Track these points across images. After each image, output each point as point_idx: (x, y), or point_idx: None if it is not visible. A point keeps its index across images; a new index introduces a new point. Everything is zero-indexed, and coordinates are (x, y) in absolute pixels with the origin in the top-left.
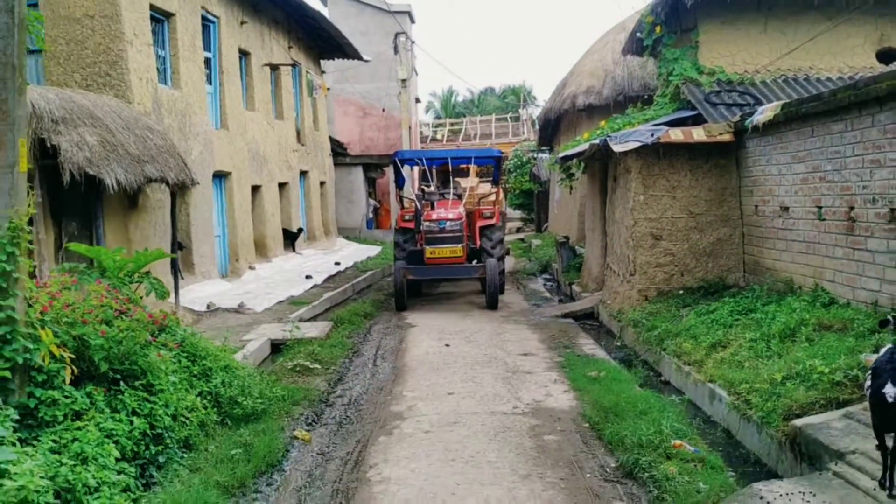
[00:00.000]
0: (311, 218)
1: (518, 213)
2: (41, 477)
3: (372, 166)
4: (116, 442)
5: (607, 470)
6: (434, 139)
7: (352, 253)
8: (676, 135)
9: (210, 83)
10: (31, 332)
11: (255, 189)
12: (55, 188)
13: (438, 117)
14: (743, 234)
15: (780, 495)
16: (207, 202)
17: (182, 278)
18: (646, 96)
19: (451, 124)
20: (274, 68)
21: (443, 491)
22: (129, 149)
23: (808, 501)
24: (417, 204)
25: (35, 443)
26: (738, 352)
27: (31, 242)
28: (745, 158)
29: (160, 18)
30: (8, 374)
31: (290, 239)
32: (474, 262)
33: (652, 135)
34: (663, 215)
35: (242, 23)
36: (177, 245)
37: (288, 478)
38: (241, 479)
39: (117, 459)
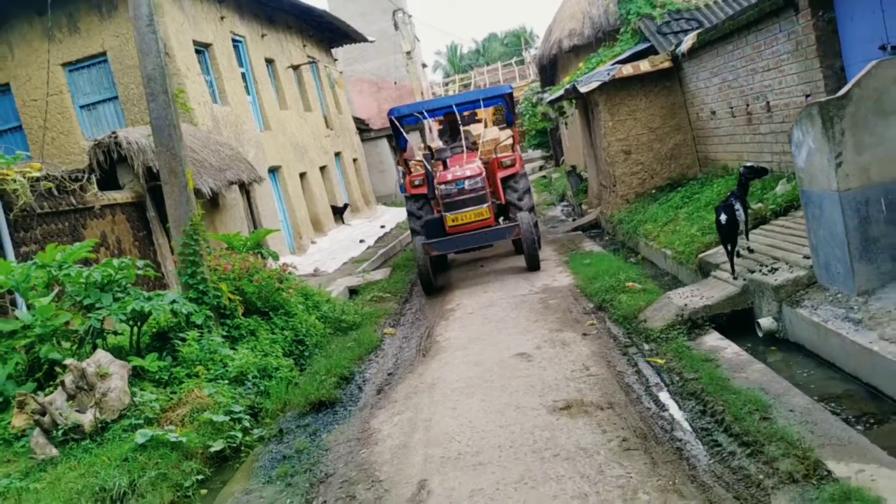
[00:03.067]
0: (351, 192)
1: (539, 153)
2: (249, 363)
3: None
4: (280, 345)
5: (586, 309)
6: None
7: (392, 216)
8: (627, 70)
9: (249, 94)
10: (216, 286)
11: (302, 175)
12: (160, 203)
13: (447, 74)
14: (694, 137)
15: (680, 294)
16: (268, 193)
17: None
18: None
19: (461, 79)
20: (295, 68)
21: (481, 336)
22: (211, 162)
23: (695, 291)
24: (427, 165)
25: (239, 350)
26: (679, 223)
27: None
28: (684, 78)
29: (201, 49)
30: (210, 312)
31: (338, 213)
32: (503, 221)
33: (608, 73)
34: (629, 134)
35: (263, 35)
36: (256, 228)
37: (386, 351)
38: (358, 355)
39: (283, 354)
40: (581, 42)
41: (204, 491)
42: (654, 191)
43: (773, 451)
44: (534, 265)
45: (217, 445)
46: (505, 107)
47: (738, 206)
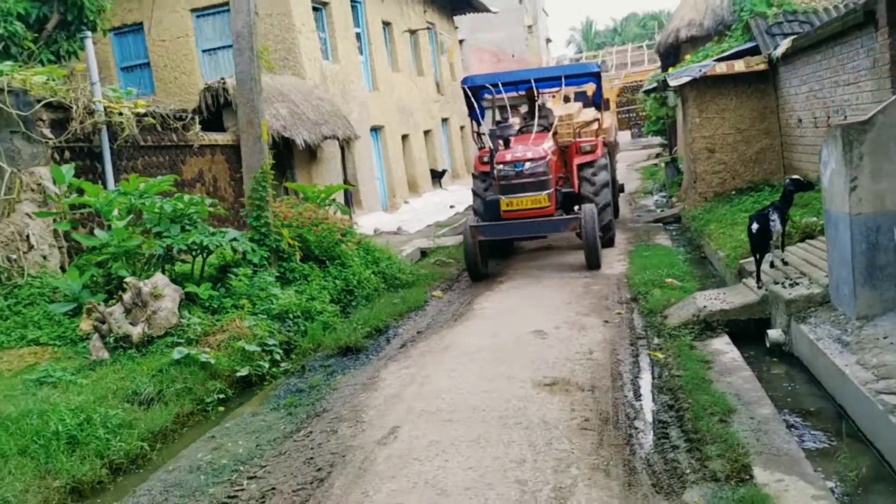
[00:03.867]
0: (454, 158)
1: (658, 140)
2: (293, 303)
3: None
4: (328, 292)
5: (622, 298)
6: None
7: None
8: (721, 68)
9: (361, 54)
10: (277, 231)
11: (405, 137)
12: None
13: (580, 50)
14: (782, 143)
15: (705, 296)
16: (368, 151)
17: (354, 212)
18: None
19: (592, 56)
20: (412, 32)
21: (513, 310)
22: (309, 115)
23: (720, 295)
24: (490, 142)
25: (287, 291)
26: (739, 226)
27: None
28: (778, 83)
29: (319, 8)
30: (268, 254)
31: (437, 177)
32: (573, 210)
33: (699, 70)
34: (715, 132)
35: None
36: (347, 184)
37: (427, 312)
38: (399, 312)
39: (329, 301)
40: (699, 33)
41: (222, 408)
42: (733, 192)
43: (711, 451)
44: (593, 263)
45: (243, 371)
46: (595, 86)
47: (774, 217)
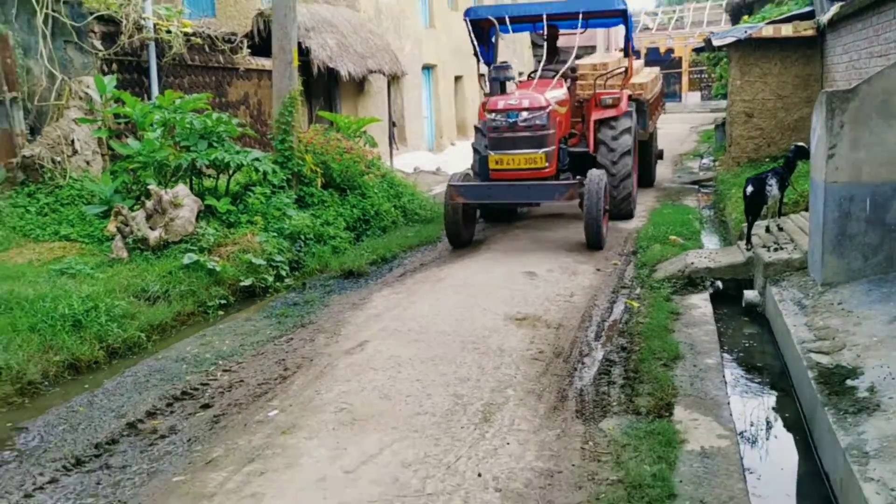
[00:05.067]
0: None
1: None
2: (306, 225)
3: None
4: (344, 219)
5: (624, 251)
6: (645, 28)
7: None
8: (767, 31)
9: None
10: (301, 156)
11: (458, 79)
12: (307, 78)
13: (661, 5)
14: None
15: (696, 254)
16: (417, 89)
17: (397, 148)
18: None
19: (664, 12)
20: None
21: (518, 251)
22: (356, 48)
23: (710, 254)
24: (486, 87)
25: (303, 213)
26: None
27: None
28: (826, 50)
29: None
30: (289, 176)
31: None
32: (576, 177)
33: (745, 31)
34: (755, 97)
35: None
36: (391, 122)
37: (437, 247)
38: (410, 244)
39: (344, 228)
40: None
41: (221, 312)
42: (767, 159)
43: (642, 389)
44: (593, 241)
45: (246, 281)
46: (625, 28)
47: (772, 182)
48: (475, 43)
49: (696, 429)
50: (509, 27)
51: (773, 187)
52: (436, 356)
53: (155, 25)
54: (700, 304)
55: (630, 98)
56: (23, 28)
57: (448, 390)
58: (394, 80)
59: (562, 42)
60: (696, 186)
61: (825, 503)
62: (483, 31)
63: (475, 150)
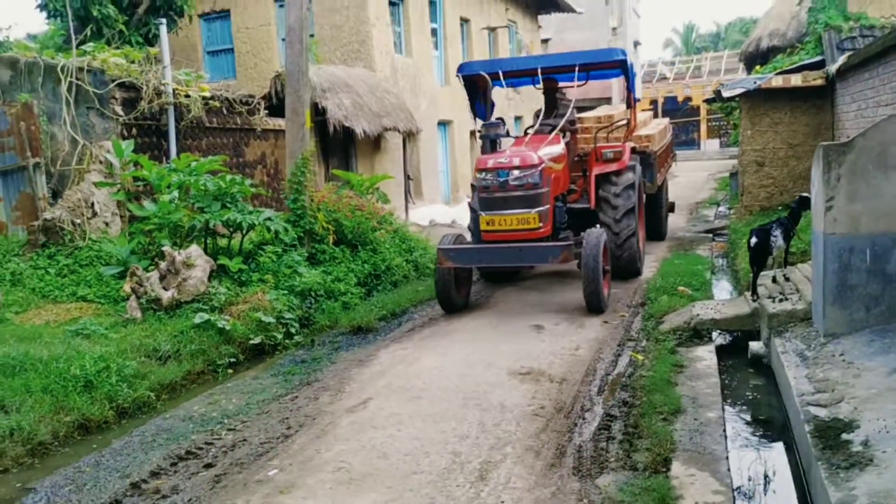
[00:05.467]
0: None
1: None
2: (317, 282)
3: (587, 109)
4: (355, 274)
5: (633, 303)
6: (662, 78)
7: None
8: (777, 81)
9: (436, 49)
10: (313, 214)
11: (473, 133)
12: (324, 136)
13: (678, 54)
14: None
15: (703, 305)
16: (433, 145)
17: (413, 202)
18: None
19: (681, 61)
20: (492, 30)
21: (528, 305)
22: (371, 107)
23: (717, 306)
24: (485, 143)
25: (314, 270)
26: None
27: (311, 170)
28: (836, 99)
29: (396, 3)
30: (302, 234)
31: None
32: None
33: (754, 82)
34: (766, 146)
35: None
36: (406, 176)
37: None
38: (421, 299)
39: (355, 283)
40: (781, 43)
41: (231, 371)
42: (779, 207)
43: (641, 444)
44: (593, 304)
45: (255, 339)
46: (626, 79)
47: (776, 232)
48: (470, 99)
49: (693, 484)
50: (503, 82)
51: (777, 238)
52: (437, 413)
53: (174, 91)
54: (705, 356)
55: (635, 151)
56: (48, 96)
57: (447, 448)
58: (409, 136)
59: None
60: (711, 235)
61: None
62: (479, 86)
63: (471, 209)
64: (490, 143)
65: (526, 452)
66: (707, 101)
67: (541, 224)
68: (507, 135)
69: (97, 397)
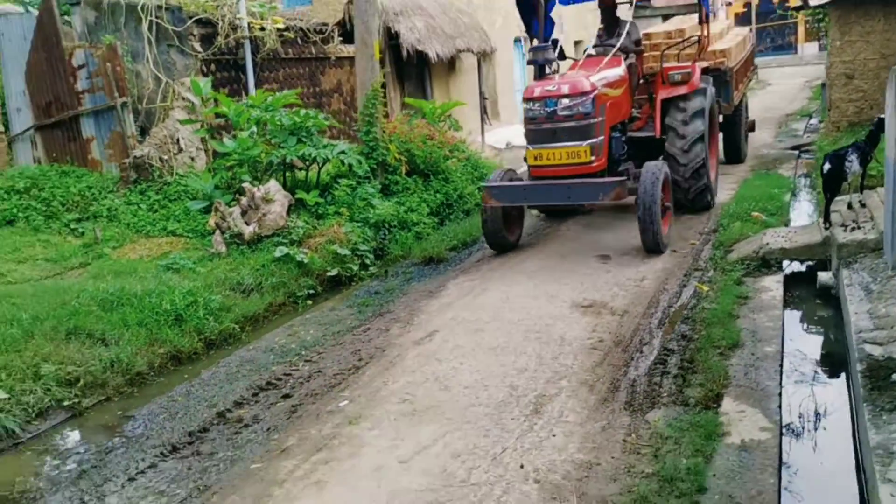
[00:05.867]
0: None
1: None
2: (390, 213)
3: (671, 16)
4: (428, 204)
5: (705, 229)
6: None
7: None
8: None
9: None
10: (385, 145)
11: (575, 43)
12: (398, 60)
13: None
14: None
15: (774, 233)
16: (509, 63)
17: (489, 124)
18: None
19: None
20: None
21: (597, 230)
22: (445, 28)
23: (788, 233)
24: (534, 69)
25: (387, 202)
26: None
27: (384, 97)
28: None
29: None
30: (375, 166)
31: None
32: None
33: None
34: (856, 57)
35: None
36: (482, 98)
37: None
38: None
39: (428, 213)
40: None
41: (310, 302)
42: (869, 123)
43: (694, 380)
44: (650, 243)
45: (333, 271)
46: None
47: (852, 157)
48: (523, 17)
49: (741, 421)
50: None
51: (853, 163)
52: (498, 346)
53: (249, 24)
54: (772, 286)
55: (707, 70)
56: (131, 35)
57: (505, 381)
58: (484, 56)
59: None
60: (797, 152)
61: (857, 502)
62: (533, 3)
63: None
64: (539, 69)
65: (580, 386)
66: (795, 8)
67: (593, 158)
68: (563, 58)
69: (187, 330)
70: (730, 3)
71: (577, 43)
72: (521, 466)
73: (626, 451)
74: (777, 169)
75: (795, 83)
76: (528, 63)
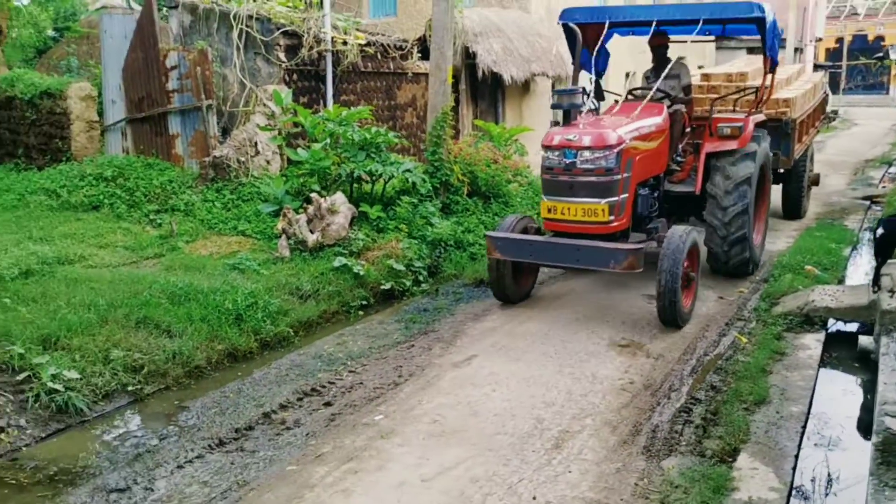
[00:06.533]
0: None
1: None
2: (448, 233)
3: (755, 50)
4: (485, 226)
5: (757, 278)
6: (853, 14)
7: None
8: None
9: None
10: (450, 166)
11: (627, 75)
12: (473, 80)
13: None
14: None
15: (821, 291)
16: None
17: None
18: None
19: None
20: None
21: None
22: (521, 52)
23: (836, 292)
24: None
25: (446, 221)
26: None
27: (454, 118)
28: None
29: None
30: (437, 186)
31: None
32: (685, 221)
33: None
34: None
35: None
36: (553, 123)
37: None
38: None
39: (484, 235)
40: None
41: (361, 313)
42: None
43: (714, 432)
44: (667, 317)
45: (386, 285)
46: (761, 37)
47: None
48: (571, 50)
49: (752, 478)
50: (609, 32)
51: None
52: (532, 377)
53: (332, 39)
54: (811, 345)
55: (763, 124)
56: (221, 41)
57: (532, 413)
58: (559, 81)
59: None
60: (868, 202)
61: None
62: (587, 35)
63: None
64: (564, 115)
65: (604, 426)
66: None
67: (611, 217)
68: (601, 98)
69: (245, 329)
70: (820, 39)
71: (627, 76)
72: (534, 498)
73: (635, 495)
74: (843, 220)
75: (882, 126)
76: (552, 107)
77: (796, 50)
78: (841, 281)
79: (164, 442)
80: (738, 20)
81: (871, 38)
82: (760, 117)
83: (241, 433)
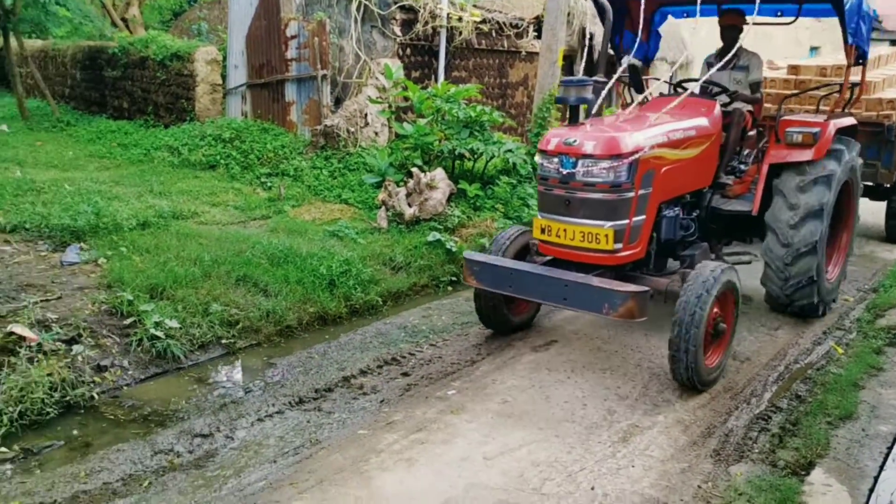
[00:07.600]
0: None
1: None
2: None
3: None
4: None
5: (866, 286)
6: None
7: None
8: None
9: None
10: None
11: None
12: (590, 61)
13: None
14: None
15: None
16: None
17: None
18: None
19: None
20: None
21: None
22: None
23: None
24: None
25: None
26: None
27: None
28: None
29: None
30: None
31: None
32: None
33: None
34: None
35: None
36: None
37: None
38: None
39: None
40: None
41: (450, 288)
42: None
43: (791, 443)
44: (680, 373)
45: None
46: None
47: None
48: (617, 28)
49: (824, 494)
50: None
51: None
52: (609, 368)
53: (448, 15)
54: None
55: (852, 130)
56: (341, 12)
57: (604, 404)
58: (681, 67)
59: None
60: None
61: None
62: (629, 9)
63: None
64: (571, 110)
65: (675, 424)
66: None
67: (618, 246)
68: (641, 89)
69: (337, 295)
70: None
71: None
72: (592, 488)
73: (696, 497)
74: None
75: None
76: (556, 101)
77: None
78: None
79: (249, 395)
80: (802, 3)
81: None
82: (848, 121)
83: (320, 394)
